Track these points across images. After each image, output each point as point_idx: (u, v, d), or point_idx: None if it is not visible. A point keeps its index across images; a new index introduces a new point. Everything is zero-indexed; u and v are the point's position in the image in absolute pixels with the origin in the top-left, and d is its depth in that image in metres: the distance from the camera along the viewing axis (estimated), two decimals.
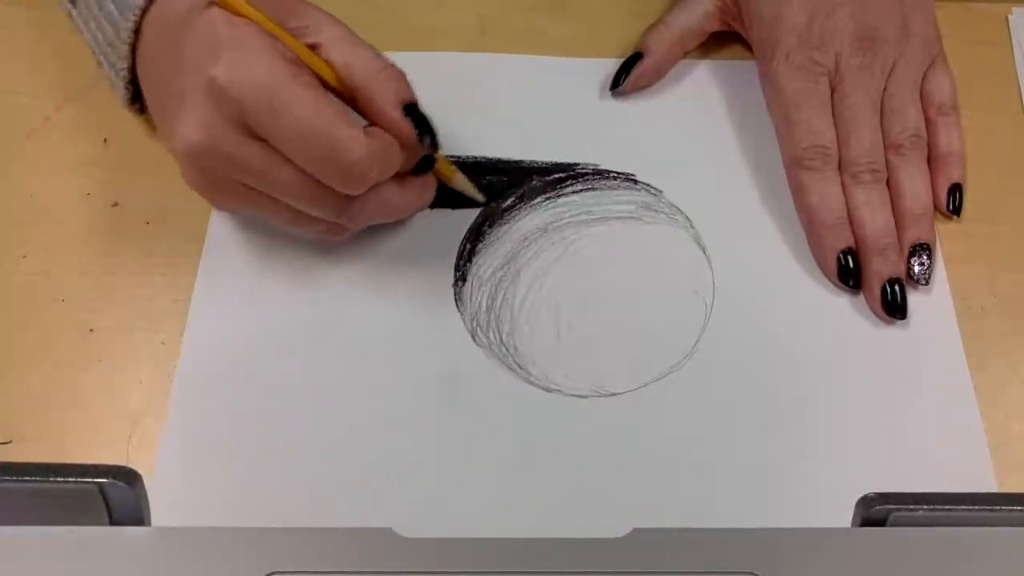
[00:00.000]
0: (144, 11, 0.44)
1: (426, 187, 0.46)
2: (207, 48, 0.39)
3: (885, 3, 0.51)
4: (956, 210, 0.50)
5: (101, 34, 0.46)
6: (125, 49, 0.45)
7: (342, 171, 0.40)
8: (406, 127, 0.42)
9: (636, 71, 0.53)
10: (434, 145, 0.43)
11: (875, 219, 0.48)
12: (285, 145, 0.39)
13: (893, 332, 0.47)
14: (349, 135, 0.39)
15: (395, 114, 0.41)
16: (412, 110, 0.42)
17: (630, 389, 0.46)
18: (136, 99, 0.48)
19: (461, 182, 0.49)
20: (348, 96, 0.42)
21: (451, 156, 0.52)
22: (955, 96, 0.52)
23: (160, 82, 0.44)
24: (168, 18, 0.43)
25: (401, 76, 0.42)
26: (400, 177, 0.44)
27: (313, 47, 0.42)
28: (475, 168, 0.51)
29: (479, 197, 0.50)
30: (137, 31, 0.44)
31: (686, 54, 0.55)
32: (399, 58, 0.54)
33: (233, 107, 0.39)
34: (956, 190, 0.50)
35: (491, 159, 0.52)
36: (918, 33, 0.51)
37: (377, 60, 0.42)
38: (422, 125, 0.42)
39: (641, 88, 0.54)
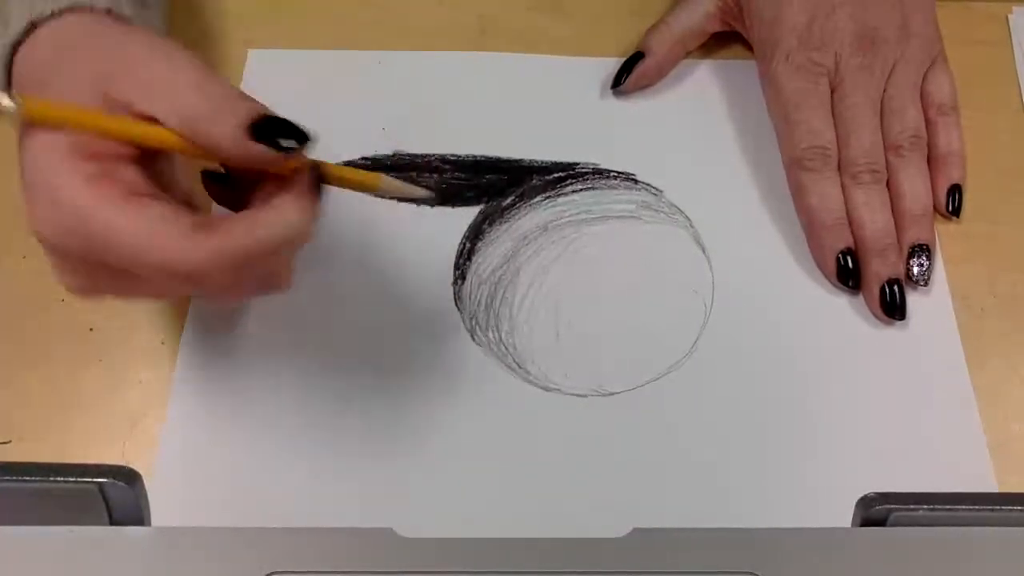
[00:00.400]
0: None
1: (295, 207, 0.36)
2: (26, 192, 0.35)
3: (885, 4, 0.51)
4: (956, 211, 0.50)
5: None
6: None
7: (187, 281, 0.35)
8: (257, 151, 0.34)
9: (637, 71, 0.53)
10: (290, 148, 0.35)
11: (875, 220, 0.48)
12: (127, 269, 0.35)
13: (893, 332, 0.47)
14: (174, 247, 0.34)
15: (241, 146, 0.34)
16: (263, 127, 0.34)
17: (629, 388, 0.46)
18: None
19: (390, 185, 0.40)
20: (202, 154, 0.36)
21: (452, 155, 0.52)
22: (955, 97, 0.52)
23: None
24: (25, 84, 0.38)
25: (239, 98, 0.35)
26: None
27: (150, 117, 0.35)
28: (474, 167, 0.51)
29: (420, 193, 0.43)
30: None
31: (687, 54, 0.55)
32: (399, 58, 0.55)
33: (65, 251, 0.35)
34: (956, 191, 0.50)
35: (491, 158, 0.52)
36: (918, 33, 0.51)
37: (208, 101, 0.35)
38: (283, 133, 0.34)
39: (642, 88, 0.54)
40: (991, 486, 0.44)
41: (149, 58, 0.36)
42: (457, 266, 0.49)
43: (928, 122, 0.51)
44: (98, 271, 0.36)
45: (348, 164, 0.51)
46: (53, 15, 0.38)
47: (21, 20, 0.38)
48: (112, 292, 0.37)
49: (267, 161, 0.35)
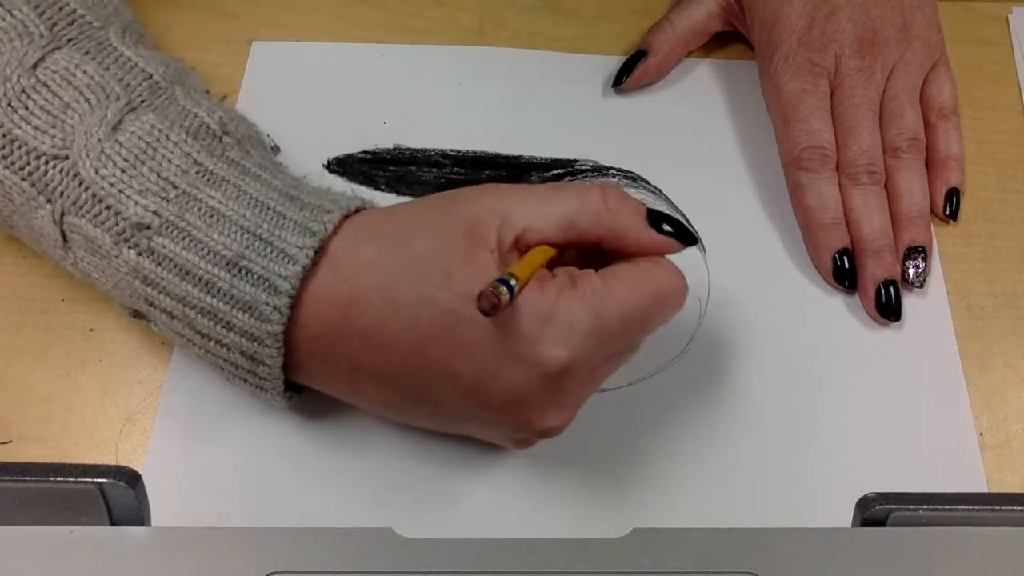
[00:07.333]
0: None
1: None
2: (523, 343, 0.36)
3: (886, 6, 0.51)
4: (953, 215, 0.50)
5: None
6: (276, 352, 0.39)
7: (680, 302, 0.39)
8: (666, 242, 0.39)
9: (639, 69, 0.53)
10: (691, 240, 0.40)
11: (871, 221, 0.48)
12: (642, 330, 0.39)
13: (889, 332, 0.47)
14: (660, 275, 0.38)
15: (651, 235, 0.39)
16: (656, 218, 0.39)
17: (622, 385, 0.45)
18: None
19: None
20: (588, 245, 0.39)
21: (452, 150, 0.52)
22: (955, 100, 0.52)
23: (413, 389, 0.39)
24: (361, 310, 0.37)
25: (612, 190, 0.39)
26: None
27: (523, 235, 0.38)
28: (474, 163, 0.51)
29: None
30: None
31: (688, 53, 0.55)
32: (401, 51, 0.55)
33: (588, 365, 0.37)
34: (953, 194, 0.50)
35: (490, 154, 0.52)
36: (919, 36, 0.51)
37: (577, 200, 0.38)
38: (676, 228, 0.39)
39: (643, 86, 0.54)
40: (982, 487, 0.44)
41: (502, 193, 0.38)
42: None
43: (928, 125, 0.51)
44: (603, 365, 0.38)
45: (349, 157, 0.51)
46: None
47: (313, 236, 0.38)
48: (602, 377, 0.39)
49: (670, 249, 0.39)
